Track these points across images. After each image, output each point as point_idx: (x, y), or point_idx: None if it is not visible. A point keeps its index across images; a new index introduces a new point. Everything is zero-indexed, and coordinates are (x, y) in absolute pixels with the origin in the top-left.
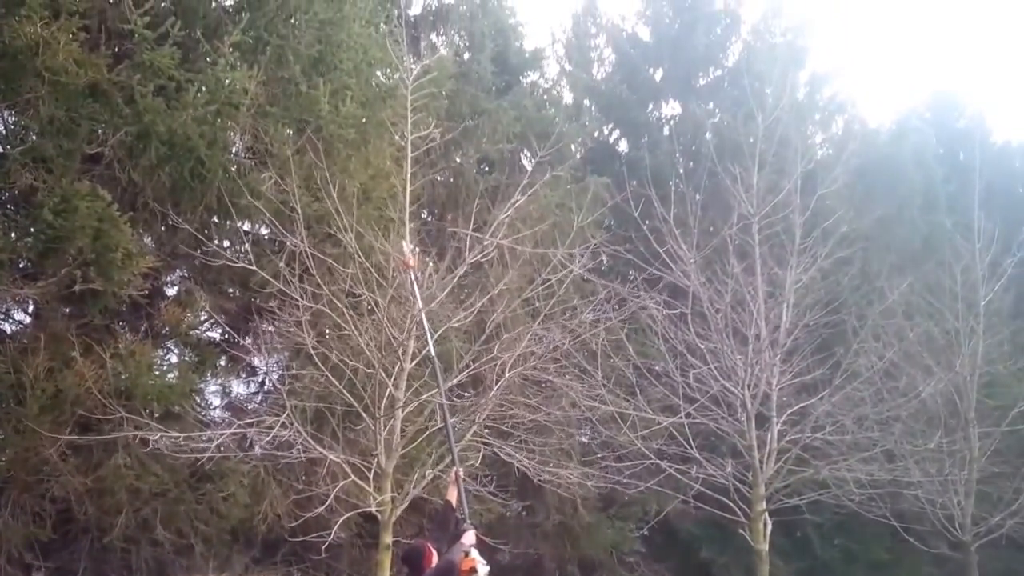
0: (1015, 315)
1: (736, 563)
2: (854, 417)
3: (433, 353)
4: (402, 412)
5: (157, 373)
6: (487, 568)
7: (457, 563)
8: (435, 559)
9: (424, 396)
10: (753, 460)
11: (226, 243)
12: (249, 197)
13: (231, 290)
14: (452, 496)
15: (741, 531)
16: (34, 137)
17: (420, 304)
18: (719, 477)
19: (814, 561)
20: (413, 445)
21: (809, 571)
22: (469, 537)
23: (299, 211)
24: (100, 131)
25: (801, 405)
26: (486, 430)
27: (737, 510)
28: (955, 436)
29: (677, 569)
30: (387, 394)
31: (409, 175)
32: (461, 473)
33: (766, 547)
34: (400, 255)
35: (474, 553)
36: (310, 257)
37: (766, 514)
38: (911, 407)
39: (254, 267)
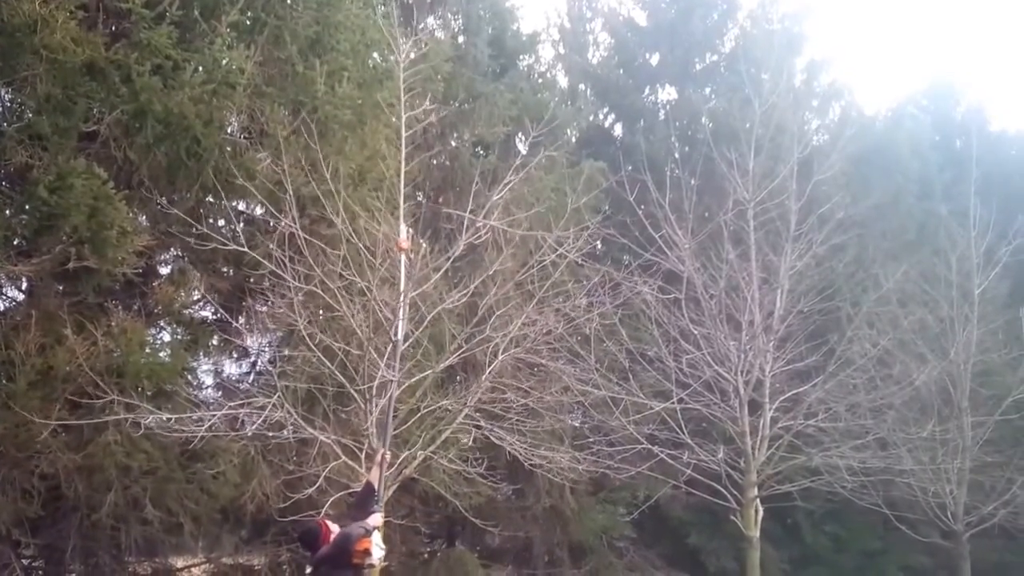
0: (1009, 304)
1: (726, 549)
2: (847, 404)
3: (400, 334)
4: (394, 393)
5: (149, 351)
6: (382, 552)
7: (354, 537)
8: (332, 536)
9: (416, 376)
10: (745, 446)
11: (220, 222)
12: (242, 178)
13: (224, 269)
14: (375, 477)
15: (732, 517)
16: (30, 115)
17: (403, 287)
18: (711, 463)
19: (805, 548)
20: (404, 427)
21: (800, 558)
22: (375, 519)
23: (290, 192)
24: (96, 109)
25: (794, 392)
26: (477, 412)
27: (728, 496)
28: (948, 425)
29: (667, 554)
30: (378, 375)
31: (404, 157)
32: (388, 457)
33: (757, 534)
34: (395, 237)
35: (375, 536)
36: (302, 239)
37: (757, 500)
38: (904, 395)
39: (245, 248)
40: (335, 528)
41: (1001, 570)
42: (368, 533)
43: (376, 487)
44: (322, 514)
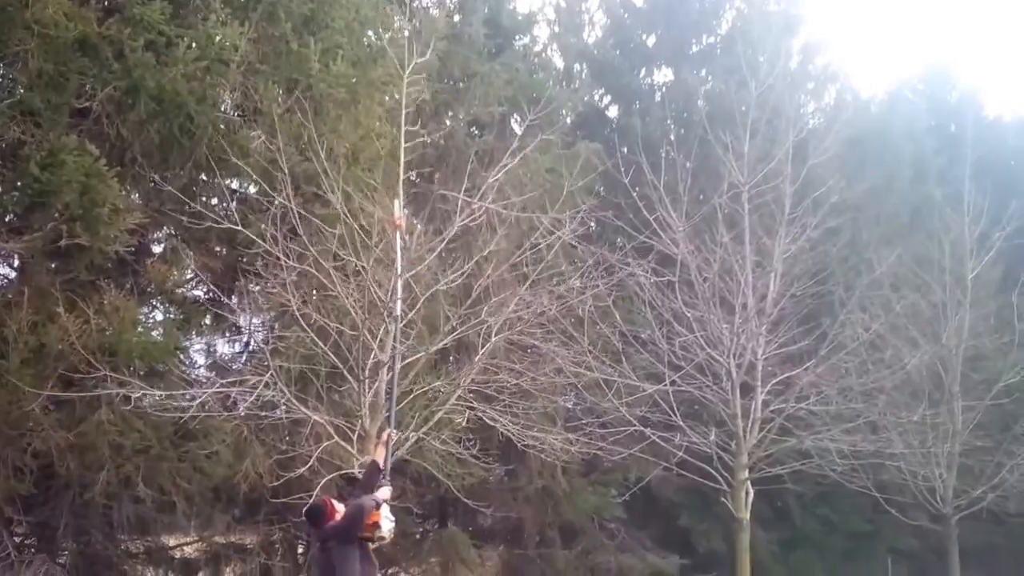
0: (1002, 289)
1: (716, 531)
2: (838, 388)
3: (398, 312)
4: (386, 374)
5: (142, 330)
6: (392, 524)
7: (367, 509)
8: (338, 514)
9: (409, 359)
10: (737, 429)
11: (214, 201)
12: (236, 156)
13: (218, 248)
14: (380, 456)
15: (723, 499)
16: (22, 90)
17: (399, 268)
18: (702, 445)
19: (795, 530)
20: (397, 407)
21: (789, 540)
22: (384, 492)
23: (285, 170)
24: (89, 85)
25: (786, 375)
26: (471, 393)
27: (719, 478)
28: (939, 409)
29: (657, 536)
30: (371, 356)
31: (403, 136)
32: (394, 436)
33: (747, 516)
34: (390, 215)
35: (385, 509)
36: (296, 217)
37: (748, 483)
38: (896, 379)
39: (239, 227)
40: (340, 506)
41: (989, 553)
42: (378, 506)
43: (382, 465)
44: (314, 494)
